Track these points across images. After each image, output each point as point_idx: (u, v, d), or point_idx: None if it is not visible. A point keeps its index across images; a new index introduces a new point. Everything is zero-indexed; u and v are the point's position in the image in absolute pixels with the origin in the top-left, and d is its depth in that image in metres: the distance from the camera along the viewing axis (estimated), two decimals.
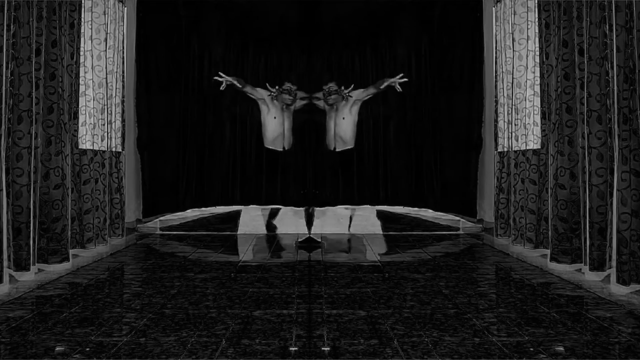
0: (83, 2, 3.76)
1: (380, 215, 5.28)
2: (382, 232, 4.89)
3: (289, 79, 5.17)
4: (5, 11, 2.68)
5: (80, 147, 3.74)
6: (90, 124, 3.92)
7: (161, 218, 5.02)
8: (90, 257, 3.60)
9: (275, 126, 5.17)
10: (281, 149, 5.19)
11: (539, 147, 3.70)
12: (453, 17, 5.08)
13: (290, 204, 5.23)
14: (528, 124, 3.93)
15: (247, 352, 1.82)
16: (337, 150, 5.21)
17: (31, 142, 2.91)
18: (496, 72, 4.45)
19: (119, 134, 4.37)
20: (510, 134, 4.15)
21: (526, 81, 3.96)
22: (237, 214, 5.26)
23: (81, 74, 3.73)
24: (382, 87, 5.10)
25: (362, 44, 5.30)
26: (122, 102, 4.41)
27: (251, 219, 5.17)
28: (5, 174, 2.71)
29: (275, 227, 5.06)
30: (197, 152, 5.10)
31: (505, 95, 4.25)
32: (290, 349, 1.86)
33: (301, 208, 5.17)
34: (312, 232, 4.77)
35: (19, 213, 2.86)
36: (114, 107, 4.23)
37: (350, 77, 5.25)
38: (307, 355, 1.81)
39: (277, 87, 5.10)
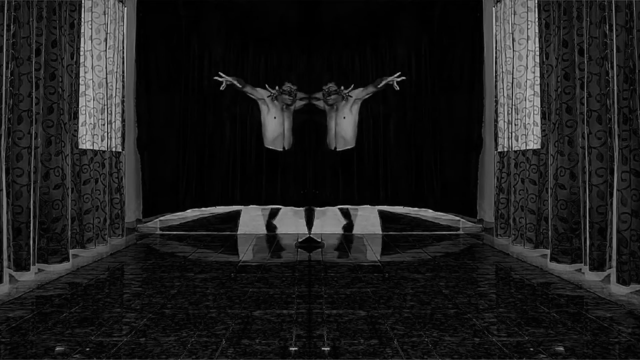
0: (83, 2, 3.76)
1: (381, 215, 5.28)
2: (382, 232, 4.89)
3: (289, 79, 5.16)
4: (5, 11, 2.68)
5: (80, 147, 3.74)
6: (90, 124, 3.92)
7: (161, 218, 5.03)
8: (90, 257, 3.60)
9: (275, 126, 5.17)
10: (281, 149, 5.19)
11: (539, 147, 3.70)
12: (453, 17, 5.08)
13: (290, 204, 5.22)
14: (528, 124, 3.93)
15: (247, 352, 1.82)
16: (338, 149, 5.21)
17: (31, 142, 2.91)
18: (496, 72, 4.45)
19: (119, 134, 4.37)
20: (510, 134, 4.15)
21: (526, 81, 3.96)
22: (237, 214, 5.25)
23: (81, 74, 3.73)
24: (380, 85, 5.09)
25: (362, 44, 5.30)
26: (122, 102, 4.42)
27: (251, 219, 5.16)
28: (5, 174, 2.71)
29: (275, 227, 5.06)
30: (197, 152, 5.10)
31: (505, 95, 4.25)
32: (290, 349, 1.86)
33: (301, 208, 5.17)
34: (312, 232, 4.77)
35: (19, 213, 2.86)
36: (114, 107, 4.23)
37: (350, 77, 5.24)
38: (307, 355, 1.81)
39: (277, 88, 5.09)
